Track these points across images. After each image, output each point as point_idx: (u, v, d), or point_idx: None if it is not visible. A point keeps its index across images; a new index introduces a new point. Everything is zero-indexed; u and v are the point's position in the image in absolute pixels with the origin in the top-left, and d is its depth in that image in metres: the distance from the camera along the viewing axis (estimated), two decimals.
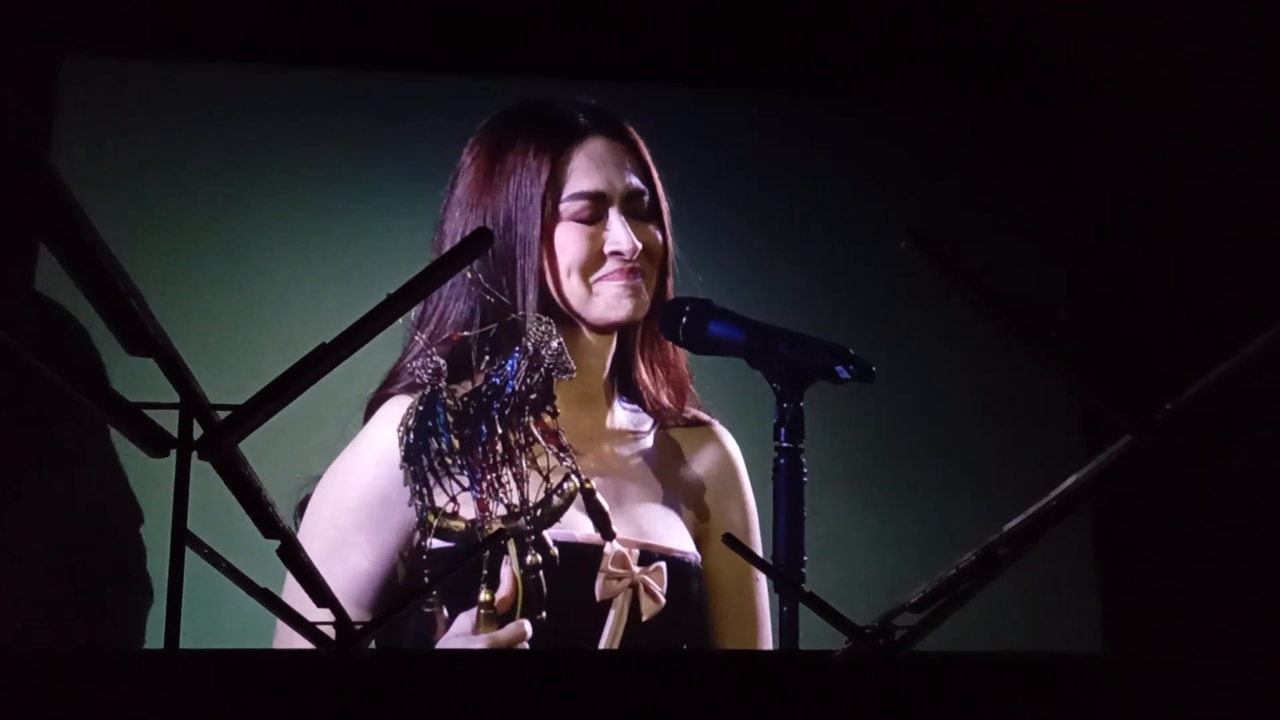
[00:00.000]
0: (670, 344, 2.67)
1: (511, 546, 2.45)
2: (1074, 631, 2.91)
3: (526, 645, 2.40)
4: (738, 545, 2.27)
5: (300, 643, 2.22)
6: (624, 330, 2.65)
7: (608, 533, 2.52)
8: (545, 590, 2.45)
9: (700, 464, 2.68)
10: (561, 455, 2.52)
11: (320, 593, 1.66)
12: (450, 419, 2.50)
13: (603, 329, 2.63)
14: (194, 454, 1.27)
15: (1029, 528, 1.55)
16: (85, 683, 1.79)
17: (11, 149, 1.16)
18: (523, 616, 2.44)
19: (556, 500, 2.49)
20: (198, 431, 1.27)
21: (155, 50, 2.98)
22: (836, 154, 3.16)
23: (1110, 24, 3.09)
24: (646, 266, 2.63)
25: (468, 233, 2.57)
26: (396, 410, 2.53)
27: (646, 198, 2.65)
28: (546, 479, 2.49)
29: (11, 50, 2.83)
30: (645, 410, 2.66)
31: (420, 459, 2.47)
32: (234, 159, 2.94)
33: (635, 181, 2.64)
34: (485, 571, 2.43)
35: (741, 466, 2.70)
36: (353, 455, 2.53)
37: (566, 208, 2.59)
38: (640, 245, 2.60)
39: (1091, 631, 2.95)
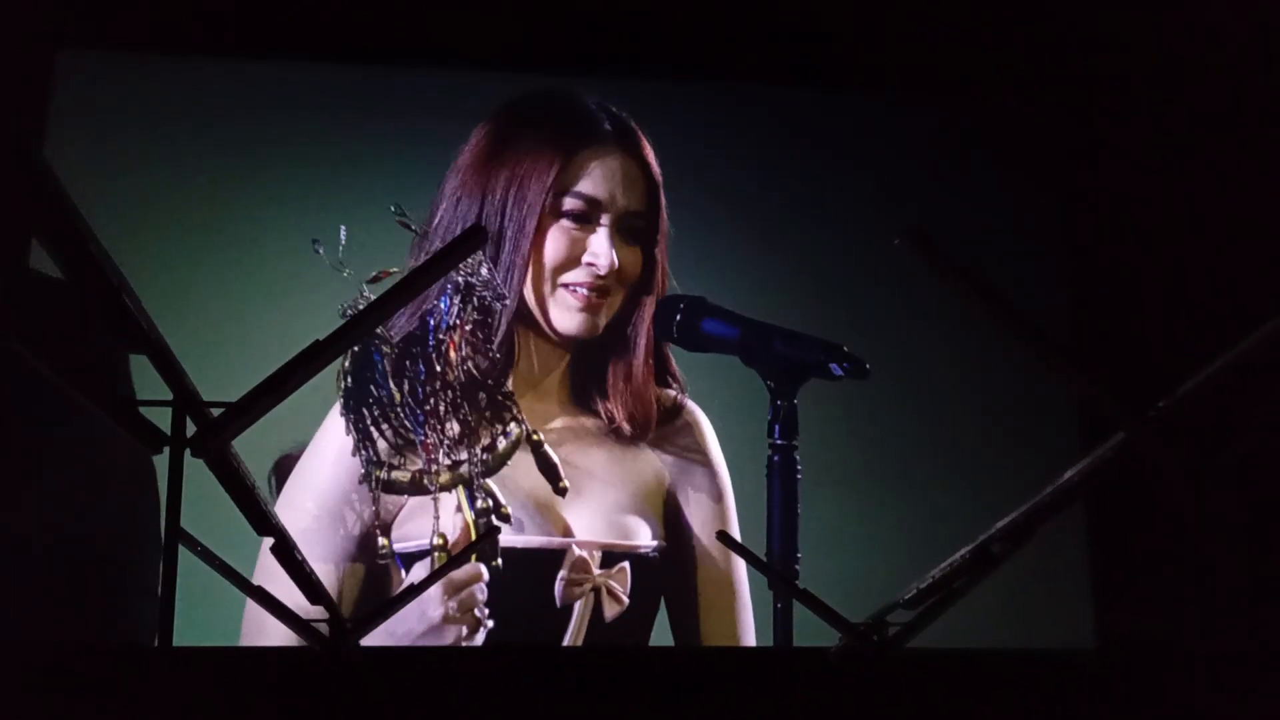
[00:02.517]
0: (638, 370, 2.64)
1: (460, 493, 2.44)
2: (1067, 628, 2.91)
3: (483, 586, 2.38)
4: (732, 543, 2.27)
5: (274, 640, 2.22)
6: (581, 349, 2.63)
7: (557, 482, 2.49)
8: (496, 536, 2.44)
9: (675, 454, 2.66)
10: (505, 400, 2.48)
11: (313, 590, 1.66)
12: (388, 366, 2.48)
13: (554, 337, 2.61)
14: (187, 451, 1.26)
15: (1022, 524, 1.55)
16: (78, 679, 1.79)
17: (4, 143, 1.16)
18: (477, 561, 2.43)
19: (503, 444, 2.47)
20: (191, 428, 1.27)
21: (150, 44, 2.97)
22: (832, 149, 3.16)
23: (1111, 22, 3.10)
24: (614, 287, 2.61)
25: (463, 197, 2.56)
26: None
27: (643, 223, 2.64)
28: (491, 423, 2.47)
29: (6, 43, 2.82)
30: (603, 424, 2.64)
31: (361, 411, 2.45)
32: (229, 154, 2.93)
33: (635, 203, 2.63)
34: (437, 516, 2.42)
35: (717, 454, 2.68)
36: (310, 456, 2.52)
37: (564, 203, 2.58)
38: (617, 264, 2.59)
39: (1085, 628, 2.95)
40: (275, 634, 1.98)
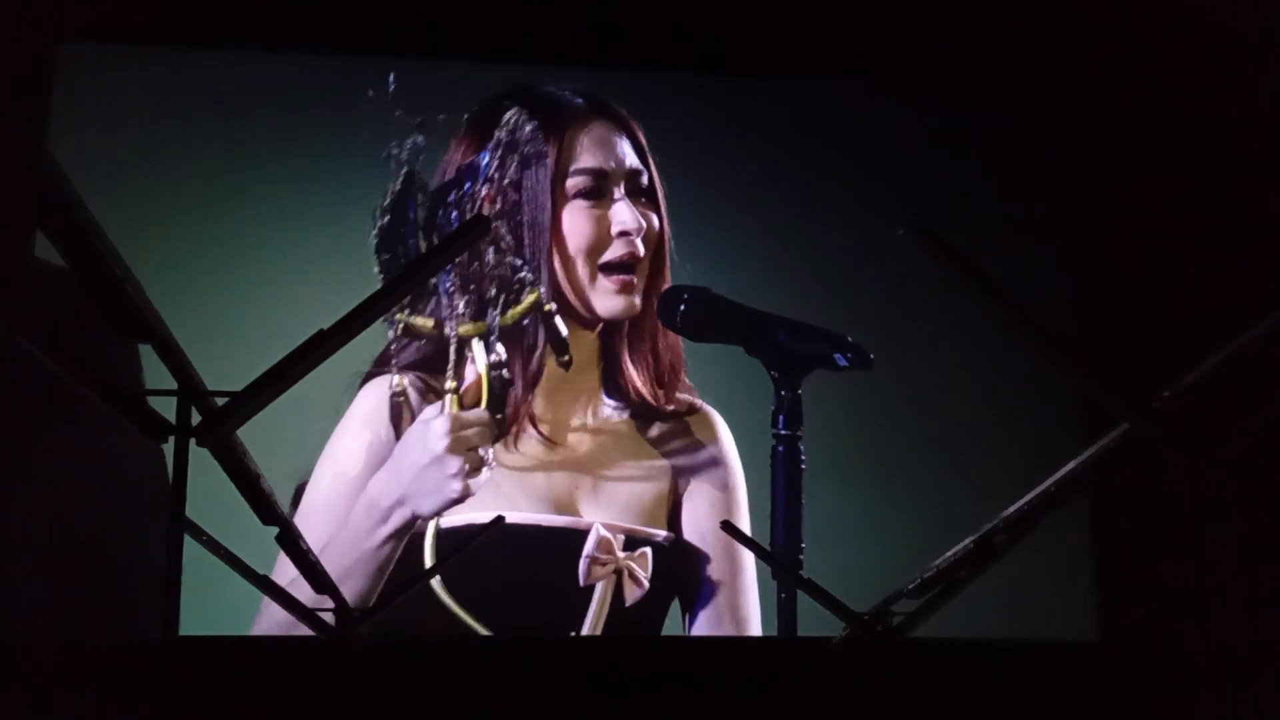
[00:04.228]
0: (661, 338, 2.65)
1: (476, 345, 2.46)
2: (1070, 619, 2.92)
3: (488, 431, 2.39)
4: (735, 532, 2.27)
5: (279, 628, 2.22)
6: (608, 327, 2.64)
7: (564, 351, 2.50)
8: (507, 389, 2.45)
9: (689, 449, 2.67)
10: (525, 265, 2.49)
11: (318, 579, 1.66)
12: (420, 216, 2.49)
13: (594, 321, 2.62)
14: (192, 440, 1.27)
15: (1026, 515, 1.55)
16: (84, 671, 1.80)
17: (8, 136, 1.16)
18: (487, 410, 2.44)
19: (523, 301, 2.47)
20: (196, 418, 1.27)
21: (152, 36, 2.97)
22: (835, 142, 3.16)
23: (1114, 18, 3.09)
24: (645, 251, 2.62)
25: (468, 212, 2.56)
26: (380, 387, 2.53)
27: (645, 179, 2.65)
28: (512, 281, 2.47)
29: (6, 36, 2.82)
30: (629, 405, 2.65)
31: (394, 248, 2.47)
32: (232, 146, 2.93)
33: (635, 162, 2.64)
34: (453, 360, 2.44)
35: (731, 452, 2.68)
36: (337, 435, 2.54)
37: (572, 184, 2.59)
38: (644, 225, 2.60)
39: (1087, 619, 2.96)
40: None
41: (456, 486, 2.36)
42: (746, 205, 3.05)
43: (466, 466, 2.36)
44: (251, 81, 2.99)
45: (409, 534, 2.40)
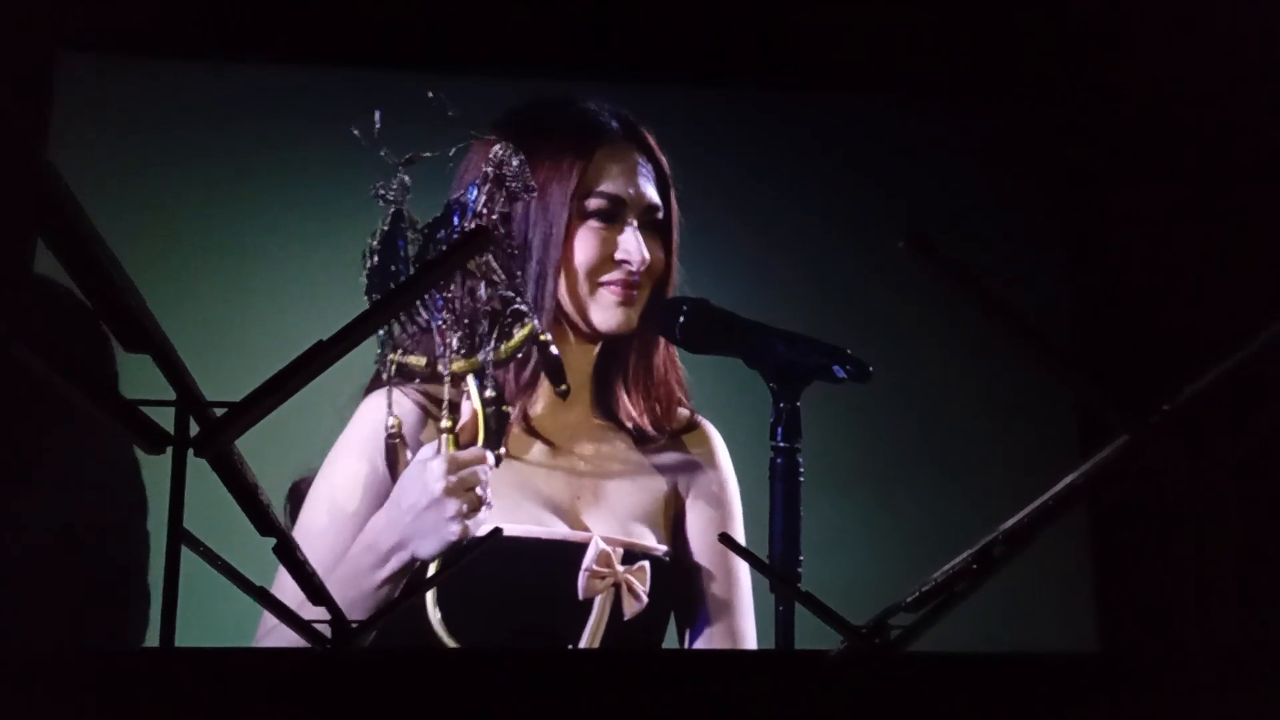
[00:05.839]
0: (658, 364, 2.65)
1: (470, 381, 2.44)
2: (1070, 631, 2.92)
3: (487, 469, 2.38)
4: (733, 544, 2.27)
5: (284, 640, 2.22)
6: (607, 348, 2.64)
7: (560, 381, 2.48)
8: (504, 425, 2.44)
9: (687, 463, 2.67)
10: (518, 297, 2.47)
11: (316, 591, 1.66)
12: (411, 252, 2.48)
13: (592, 336, 2.62)
14: (190, 451, 1.27)
15: (1025, 527, 1.55)
16: (79, 682, 1.79)
17: (9, 145, 1.16)
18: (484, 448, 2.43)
19: (515, 336, 2.45)
20: (194, 429, 1.27)
21: (153, 47, 2.98)
22: (833, 152, 3.16)
23: (1115, 25, 3.10)
24: (644, 282, 2.62)
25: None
26: (377, 409, 2.51)
27: (660, 214, 2.65)
28: (503, 315, 2.46)
29: (7, 45, 2.83)
30: (622, 430, 2.64)
31: (387, 286, 2.45)
32: (233, 157, 2.94)
33: (654, 197, 2.64)
34: (447, 399, 2.42)
35: (727, 467, 2.68)
36: (335, 455, 2.52)
37: (590, 204, 2.59)
38: (648, 259, 2.60)
39: (1088, 631, 2.95)
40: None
41: (455, 529, 2.34)
42: (744, 214, 3.05)
43: (465, 508, 2.34)
44: (254, 92, 2.99)
45: (409, 574, 2.38)
